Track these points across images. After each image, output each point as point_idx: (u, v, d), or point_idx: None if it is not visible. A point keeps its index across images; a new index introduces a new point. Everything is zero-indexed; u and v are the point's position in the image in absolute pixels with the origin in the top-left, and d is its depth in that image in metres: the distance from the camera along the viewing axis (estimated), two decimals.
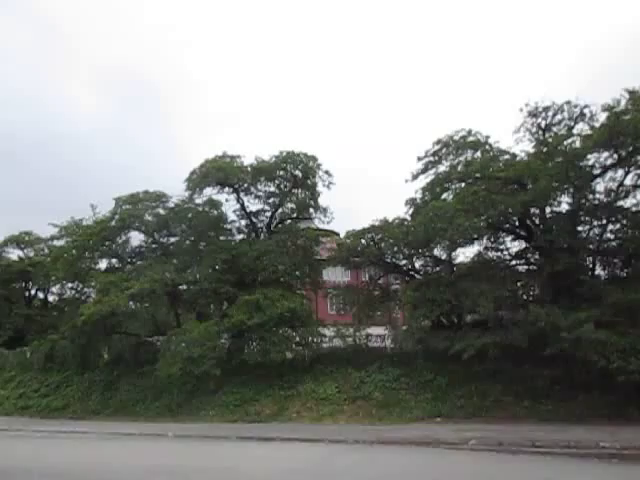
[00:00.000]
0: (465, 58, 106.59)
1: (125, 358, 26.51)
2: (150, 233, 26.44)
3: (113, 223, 25.48)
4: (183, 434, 17.52)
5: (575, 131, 18.43)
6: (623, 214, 17.78)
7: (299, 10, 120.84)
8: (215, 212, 25.62)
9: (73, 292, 32.81)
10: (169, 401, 22.54)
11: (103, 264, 27.96)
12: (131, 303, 24.19)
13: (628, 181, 17.59)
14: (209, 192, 25.16)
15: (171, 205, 25.85)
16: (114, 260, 27.83)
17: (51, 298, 38.54)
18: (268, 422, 19.11)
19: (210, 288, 22.98)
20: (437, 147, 20.25)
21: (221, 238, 25.36)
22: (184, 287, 25.00)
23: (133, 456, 14.07)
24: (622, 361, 13.99)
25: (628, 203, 17.91)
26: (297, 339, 22.06)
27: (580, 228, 18.50)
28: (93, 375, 26.51)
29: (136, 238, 27.12)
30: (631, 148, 16.48)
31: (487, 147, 19.85)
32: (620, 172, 17.53)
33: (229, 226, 26.36)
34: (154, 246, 27.02)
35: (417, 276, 22.01)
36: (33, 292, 38.05)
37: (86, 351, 25.45)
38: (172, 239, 26.74)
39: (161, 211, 25.96)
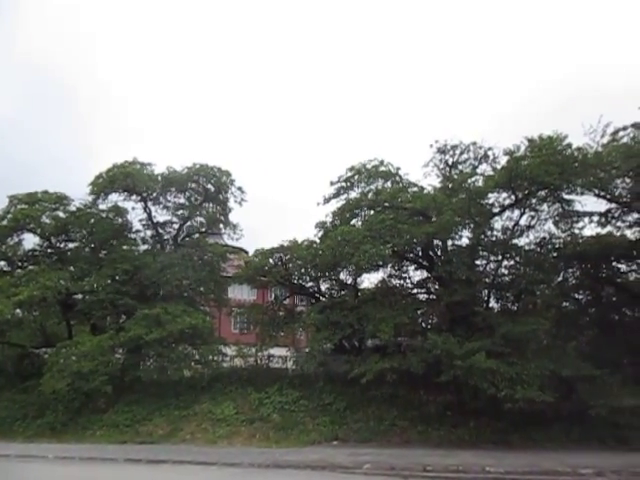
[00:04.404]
0: (383, 89, 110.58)
1: (6, 371, 24.50)
2: (46, 236, 24.74)
3: (5, 223, 23.58)
4: (65, 456, 16.25)
5: (479, 171, 19.82)
6: (517, 251, 19.21)
7: (222, 32, 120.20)
8: (119, 220, 24.70)
9: None
10: (53, 419, 20.85)
11: None
12: (18, 311, 22.47)
13: (523, 221, 19.21)
14: (115, 198, 24.38)
15: (73, 209, 24.42)
16: (2, 263, 25.75)
17: None
18: (160, 443, 18.31)
19: (107, 299, 21.89)
20: (350, 174, 20.78)
21: (124, 247, 24.39)
22: (79, 297, 23.64)
23: None
24: (509, 389, 14.87)
25: (522, 242, 19.63)
26: (197, 357, 21.44)
27: (478, 262, 19.71)
28: None
29: (30, 241, 25.28)
30: (527, 191, 17.80)
31: (397, 178, 20.70)
32: (516, 212, 19.02)
33: (133, 235, 25.48)
34: (50, 251, 25.29)
35: (322, 299, 22.25)
36: None
37: None
38: (70, 245, 25.24)
39: (61, 214, 24.41)
